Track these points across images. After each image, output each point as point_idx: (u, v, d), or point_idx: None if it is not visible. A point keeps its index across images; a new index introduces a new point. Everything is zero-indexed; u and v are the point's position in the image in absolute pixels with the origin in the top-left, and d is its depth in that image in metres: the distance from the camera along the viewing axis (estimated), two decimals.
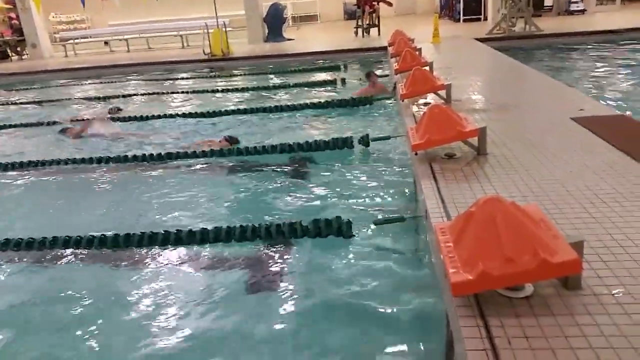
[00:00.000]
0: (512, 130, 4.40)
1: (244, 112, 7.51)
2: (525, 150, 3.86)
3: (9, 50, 18.78)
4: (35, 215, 4.67)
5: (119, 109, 8.47)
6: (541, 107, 5.28)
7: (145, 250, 3.58)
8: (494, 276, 1.92)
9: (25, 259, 3.71)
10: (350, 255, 3.29)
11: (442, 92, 5.67)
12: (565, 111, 4.92)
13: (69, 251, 3.68)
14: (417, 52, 8.19)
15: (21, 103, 10.69)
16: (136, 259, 3.53)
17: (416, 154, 3.79)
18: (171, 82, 11.85)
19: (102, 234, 3.69)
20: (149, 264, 3.48)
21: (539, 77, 7.23)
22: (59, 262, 3.62)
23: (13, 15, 19.32)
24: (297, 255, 3.41)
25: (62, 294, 3.23)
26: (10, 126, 8.14)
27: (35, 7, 17.13)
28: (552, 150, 3.82)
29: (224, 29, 13.91)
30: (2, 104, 10.76)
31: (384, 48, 12.07)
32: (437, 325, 2.46)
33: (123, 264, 3.53)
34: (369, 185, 4.45)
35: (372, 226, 3.42)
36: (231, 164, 5.35)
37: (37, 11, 17.47)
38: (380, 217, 3.48)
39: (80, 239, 3.69)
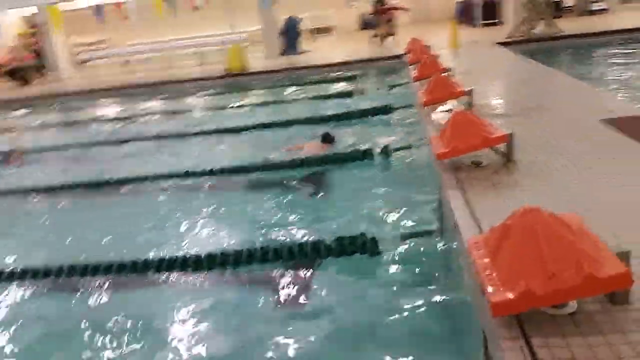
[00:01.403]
0: (539, 135, 4.23)
1: (263, 126, 7.45)
2: (555, 155, 3.70)
3: (31, 74, 19.16)
4: (51, 241, 4.62)
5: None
6: (568, 110, 5.10)
7: (165, 276, 3.49)
8: (538, 294, 1.78)
9: (42, 287, 3.66)
10: (377, 273, 3.17)
11: (464, 99, 5.54)
12: (593, 113, 4.73)
13: (87, 278, 3.62)
14: (435, 59, 8.06)
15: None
16: (157, 285, 3.45)
17: (441, 162, 3.65)
18: (191, 99, 11.90)
19: (121, 260, 3.62)
20: (169, 290, 3.41)
21: (563, 79, 7.03)
22: (79, 290, 3.56)
23: (35, 39, 19.79)
24: (321, 276, 3.28)
25: (86, 321, 3.17)
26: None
27: (54, 30, 17.49)
28: (583, 154, 3.65)
29: (241, 45, 13.96)
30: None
31: (401, 56, 11.95)
32: (472, 346, 2.31)
33: (144, 290, 3.45)
34: (391, 197, 4.31)
35: (398, 241, 3.28)
36: (248, 181, 5.25)
37: (56, 33, 17.83)
38: (406, 231, 3.33)
39: (99, 265, 3.62)
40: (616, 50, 11.02)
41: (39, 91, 16.11)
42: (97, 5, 16.32)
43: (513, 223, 1.96)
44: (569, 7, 16.76)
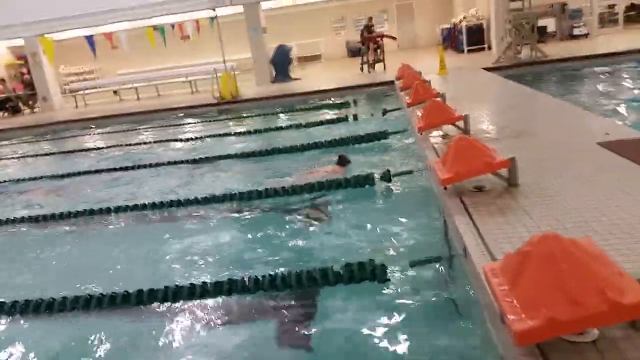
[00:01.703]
0: (538, 159, 4.27)
1: (260, 154, 7.46)
2: (557, 178, 3.73)
3: (20, 104, 19.12)
4: (50, 271, 4.53)
5: None
6: (563, 133, 5.16)
7: (171, 305, 3.42)
8: (562, 322, 1.76)
9: (45, 319, 3.57)
10: (386, 300, 3.12)
11: (459, 124, 5.60)
12: (589, 136, 4.80)
13: (91, 310, 3.54)
14: (427, 84, 8.18)
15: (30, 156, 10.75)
16: (162, 314, 3.37)
17: (445, 188, 3.66)
18: (182, 127, 11.90)
19: (125, 291, 3.54)
20: (174, 320, 3.32)
21: (553, 102, 7.15)
22: (82, 322, 3.48)
23: (24, 70, 19.78)
24: (329, 303, 3.24)
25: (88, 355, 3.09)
26: (27, 179, 8.11)
27: (48, 61, 17.51)
28: (585, 177, 3.68)
29: (232, 73, 14.07)
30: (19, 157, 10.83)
31: (391, 82, 12.12)
32: None
33: (149, 320, 3.37)
34: (394, 223, 4.29)
35: (407, 268, 3.26)
36: (247, 209, 5.22)
37: (51, 64, 17.84)
38: (413, 257, 3.31)
39: (103, 296, 3.54)
40: (600, 74, 11.28)
41: (30, 121, 16.03)
42: (87, 37, 16.32)
43: (532, 250, 1.95)
44: (552, 32, 17.17)
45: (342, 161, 5.96)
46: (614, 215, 2.95)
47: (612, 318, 1.76)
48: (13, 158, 10.97)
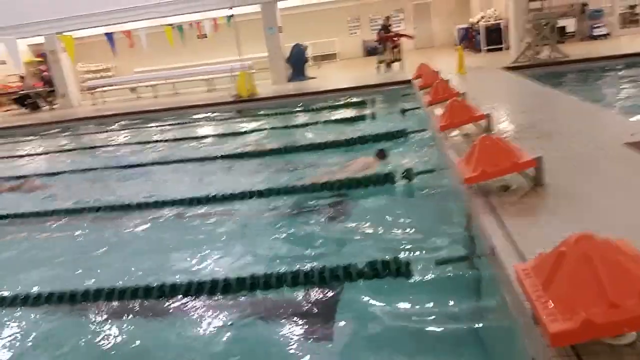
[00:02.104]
0: (563, 159, 4.20)
1: (278, 152, 7.47)
2: (584, 179, 3.67)
3: (39, 101, 19.40)
4: (65, 265, 4.57)
5: None
6: (587, 133, 5.08)
7: (193, 300, 3.44)
8: (599, 324, 1.72)
9: (54, 313, 3.60)
10: (411, 298, 3.10)
11: (481, 123, 5.55)
12: (614, 136, 4.72)
13: (101, 304, 3.56)
14: (447, 83, 8.11)
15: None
16: (185, 310, 3.39)
17: (470, 187, 3.62)
18: (201, 124, 11.97)
19: (141, 284, 3.56)
20: (195, 315, 3.34)
21: (575, 102, 7.05)
22: (97, 316, 3.50)
23: (43, 67, 20.06)
24: (353, 300, 3.23)
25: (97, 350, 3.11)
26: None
27: (69, 58, 17.73)
28: (613, 178, 3.62)
29: (249, 71, 14.13)
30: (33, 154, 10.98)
31: (408, 81, 12.06)
32: None
33: (172, 315, 3.39)
34: (417, 221, 4.27)
35: (432, 266, 3.23)
36: (269, 207, 5.22)
37: (72, 61, 18.10)
38: (439, 256, 3.28)
39: (113, 290, 3.56)
40: (622, 74, 11.11)
41: (49, 117, 16.24)
42: (107, 34, 16.49)
43: (567, 250, 1.92)
44: (571, 32, 16.97)
45: (381, 155, 6.07)
46: None
47: None
48: (34, 154, 11.11)
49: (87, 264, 4.49)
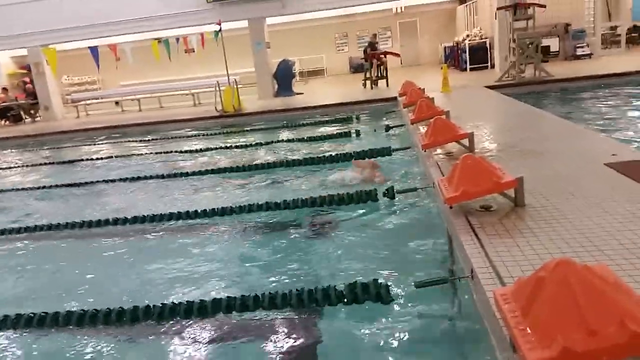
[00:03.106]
0: (544, 179, 4.19)
1: (262, 167, 7.39)
2: (565, 200, 3.65)
3: (22, 113, 19.15)
4: (47, 285, 4.43)
5: None
6: (569, 153, 5.09)
7: (167, 323, 3.32)
8: (578, 352, 1.67)
9: (35, 333, 3.46)
10: (389, 322, 3.02)
11: (464, 142, 5.54)
12: (596, 156, 4.73)
13: (85, 327, 3.43)
14: (431, 101, 8.14)
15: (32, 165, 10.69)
16: (158, 333, 3.26)
17: (451, 207, 3.58)
18: (185, 139, 11.86)
19: (120, 307, 3.44)
20: (169, 338, 3.22)
21: (558, 122, 7.09)
22: (80, 340, 3.37)
23: (27, 79, 19.82)
24: (330, 324, 3.14)
25: None
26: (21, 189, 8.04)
27: (51, 71, 17.54)
28: (593, 199, 3.60)
29: (235, 86, 14.08)
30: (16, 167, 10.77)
31: (394, 99, 12.11)
32: None
33: (145, 338, 3.27)
34: (397, 241, 4.20)
35: (412, 289, 3.15)
36: (246, 224, 5.12)
37: (53, 74, 17.90)
38: (418, 278, 3.21)
39: (97, 312, 3.44)
40: (604, 94, 11.25)
41: (32, 130, 16.01)
42: (91, 48, 16.35)
43: (547, 275, 1.87)
44: (555, 51, 17.23)
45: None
46: (626, 239, 2.87)
47: (633, 350, 1.67)
48: (13, 167, 10.90)
49: (58, 285, 4.35)
